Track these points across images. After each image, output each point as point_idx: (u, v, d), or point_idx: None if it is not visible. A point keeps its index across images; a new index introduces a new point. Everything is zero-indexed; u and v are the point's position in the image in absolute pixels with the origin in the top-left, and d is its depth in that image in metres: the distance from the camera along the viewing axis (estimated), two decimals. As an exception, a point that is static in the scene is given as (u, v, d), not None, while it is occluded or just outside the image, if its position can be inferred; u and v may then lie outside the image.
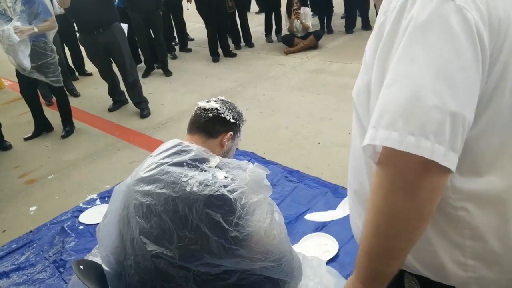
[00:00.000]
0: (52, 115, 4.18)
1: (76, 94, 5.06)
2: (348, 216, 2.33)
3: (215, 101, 1.38)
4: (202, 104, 1.36)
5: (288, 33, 5.53)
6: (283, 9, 5.74)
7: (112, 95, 4.42)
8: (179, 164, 1.18)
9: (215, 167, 1.19)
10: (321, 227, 2.21)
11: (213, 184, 1.11)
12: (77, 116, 4.23)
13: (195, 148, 1.23)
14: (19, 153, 3.77)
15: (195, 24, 6.17)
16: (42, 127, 4.03)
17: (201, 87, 4.75)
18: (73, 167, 3.36)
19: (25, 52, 3.42)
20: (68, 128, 3.97)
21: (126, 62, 4.01)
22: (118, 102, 4.45)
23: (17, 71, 3.58)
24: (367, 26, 5.84)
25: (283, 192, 2.55)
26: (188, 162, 1.19)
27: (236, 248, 1.11)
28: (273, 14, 6.00)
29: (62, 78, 3.73)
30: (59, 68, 3.70)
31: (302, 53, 5.35)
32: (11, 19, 3.29)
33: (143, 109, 4.15)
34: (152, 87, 4.93)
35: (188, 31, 6.84)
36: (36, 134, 4.01)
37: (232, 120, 1.35)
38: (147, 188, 1.18)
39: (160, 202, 1.13)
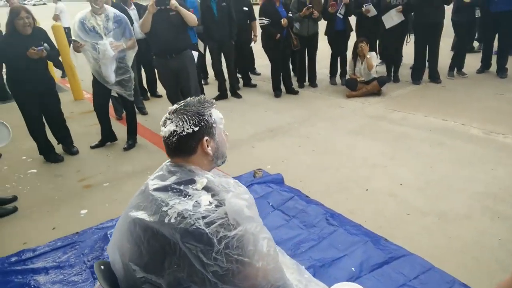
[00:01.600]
0: (119, 128, 4.50)
1: (144, 113, 5.41)
2: (383, 272, 2.19)
3: (169, 119, 1.23)
4: (162, 133, 1.24)
5: (352, 77, 5.52)
6: (349, 53, 5.78)
7: (175, 116, 4.66)
8: (164, 189, 1.17)
9: (202, 189, 1.16)
10: (355, 277, 2.10)
11: (191, 216, 1.08)
12: (141, 132, 4.51)
13: (181, 169, 1.20)
14: (83, 159, 4.08)
15: (264, 61, 6.37)
16: (107, 138, 4.35)
17: (258, 119, 4.85)
18: (128, 178, 3.55)
19: (112, 66, 3.84)
20: (131, 142, 4.25)
21: (191, 86, 4.25)
22: (179, 124, 4.68)
23: (93, 85, 3.95)
24: (435, 78, 5.67)
25: (321, 234, 2.47)
26: (173, 186, 1.16)
27: (218, 283, 1.07)
28: (338, 57, 6.06)
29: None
30: (133, 85, 4.06)
31: (364, 98, 5.29)
32: (100, 36, 3.69)
33: (201, 133, 4.32)
34: (213, 114, 5.11)
35: (255, 66, 7.12)
36: (101, 144, 4.32)
37: (196, 128, 1.21)
38: (135, 214, 1.18)
39: (147, 229, 1.13)
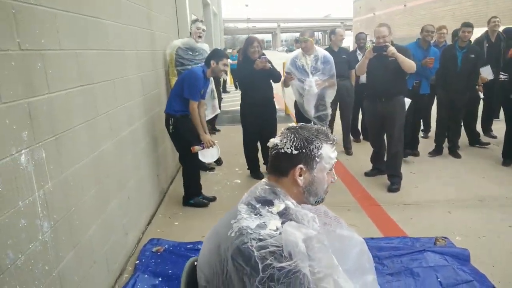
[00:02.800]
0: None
1: (349, 153, 5.48)
2: None
3: (282, 133, 1.20)
4: (269, 143, 1.22)
5: None
6: None
7: (373, 161, 4.53)
8: (245, 202, 1.16)
9: (276, 213, 1.09)
10: None
11: (247, 234, 1.02)
12: (337, 171, 4.58)
13: (268, 188, 1.17)
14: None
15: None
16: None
17: (469, 184, 4.12)
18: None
19: (313, 102, 4.23)
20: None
21: (395, 133, 4.05)
22: (376, 169, 4.51)
23: (296, 116, 4.40)
24: None
25: None
26: (251, 202, 1.14)
27: None
28: None
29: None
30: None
31: None
32: (307, 74, 4.11)
33: (393, 183, 4.05)
34: (418, 168, 4.70)
35: (493, 127, 6.12)
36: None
37: (294, 152, 1.14)
38: (218, 222, 1.19)
39: (216, 241, 1.11)
